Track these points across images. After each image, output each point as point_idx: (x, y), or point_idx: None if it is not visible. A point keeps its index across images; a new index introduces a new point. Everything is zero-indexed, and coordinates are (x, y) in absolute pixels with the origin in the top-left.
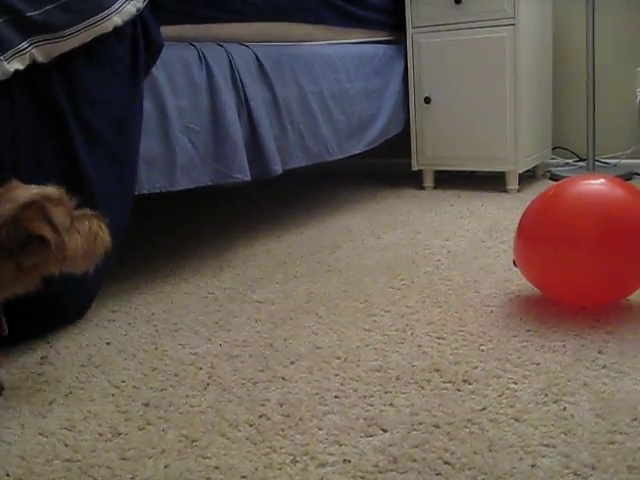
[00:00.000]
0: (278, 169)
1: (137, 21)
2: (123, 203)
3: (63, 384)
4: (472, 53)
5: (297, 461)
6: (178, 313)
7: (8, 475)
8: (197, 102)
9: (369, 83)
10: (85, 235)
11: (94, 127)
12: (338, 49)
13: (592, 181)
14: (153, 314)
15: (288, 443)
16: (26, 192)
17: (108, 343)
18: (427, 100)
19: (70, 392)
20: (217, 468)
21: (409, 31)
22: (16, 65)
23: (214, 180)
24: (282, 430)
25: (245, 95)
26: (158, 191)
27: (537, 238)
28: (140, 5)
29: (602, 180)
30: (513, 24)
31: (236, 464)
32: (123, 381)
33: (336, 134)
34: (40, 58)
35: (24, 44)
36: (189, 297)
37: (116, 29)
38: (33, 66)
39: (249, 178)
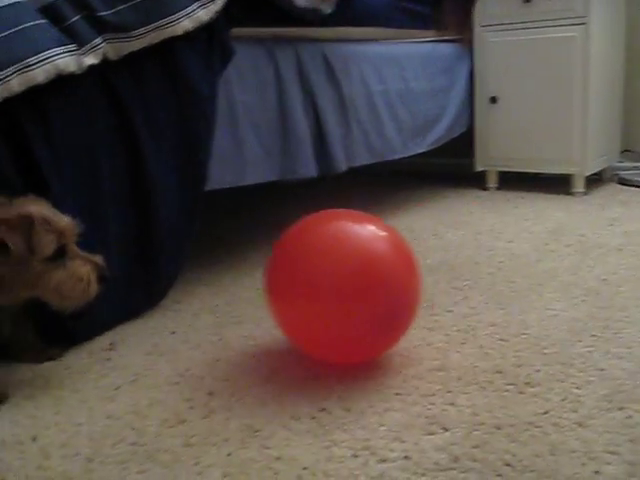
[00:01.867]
0: (343, 166)
1: (210, 27)
2: (190, 201)
3: (129, 370)
4: (540, 53)
5: (358, 455)
6: (240, 305)
7: (78, 455)
8: (265, 99)
9: (435, 82)
10: (69, 274)
11: (161, 126)
12: (405, 48)
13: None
14: (216, 306)
15: (349, 437)
16: (30, 207)
17: (173, 332)
18: (493, 100)
19: (136, 379)
20: (279, 459)
21: (476, 30)
22: (91, 60)
23: (280, 176)
24: (343, 424)
25: (312, 92)
26: (228, 186)
27: (285, 292)
28: (212, 15)
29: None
30: (584, 23)
31: (297, 455)
32: (188, 370)
33: (401, 133)
34: (111, 55)
35: (98, 40)
36: (250, 290)
37: (187, 33)
38: (105, 63)
39: (315, 174)
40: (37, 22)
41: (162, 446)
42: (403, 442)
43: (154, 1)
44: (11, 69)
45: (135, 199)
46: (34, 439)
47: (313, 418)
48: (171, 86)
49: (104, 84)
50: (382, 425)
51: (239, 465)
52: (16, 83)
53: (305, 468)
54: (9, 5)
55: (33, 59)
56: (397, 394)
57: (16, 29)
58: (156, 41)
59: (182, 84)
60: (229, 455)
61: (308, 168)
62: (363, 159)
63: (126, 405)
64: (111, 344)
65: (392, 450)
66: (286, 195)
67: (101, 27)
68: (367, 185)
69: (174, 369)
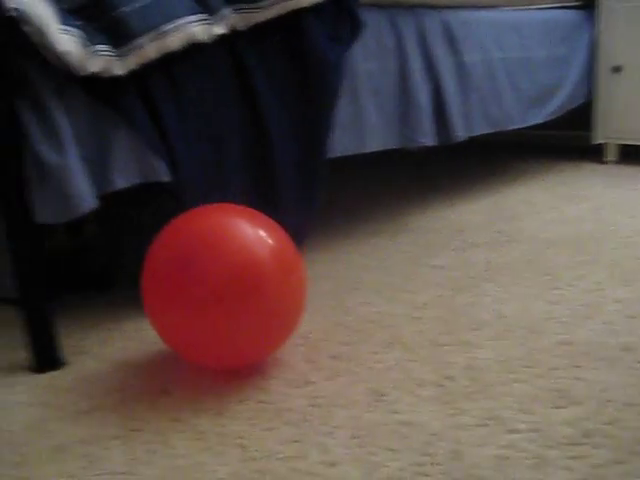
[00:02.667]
0: (462, 135)
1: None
2: (313, 169)
3: None
4: None
5: (486, 424)
6: (358, 272)
7: (209, 410)
8: (386, 66)
9: (555, 50)
10: None
11: (285, 95)
12: (525, 15)
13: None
14: (334, 271)
15: (476, 406)
16: None
17: None
18: (617, 69)
19: None
20: (406, 423)
21: None
22: (220, 29)
23: (399, 143)
24: (470, 393)
25: (432, 60)
26: (349, 154)
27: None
28: None
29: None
30: None
31: (425, 421)
32: (310, 333)
33: (519, 102)
34: (239, 25)
35: (227, 11)
36: (367, 258)
37: (315, 5)
38: (233, 32)
39: (433, 143)
40: None
41: (289, 405)
42: (531, 414)
43: None
44: (147, 36)
45: (258, 167)
46: (166, 392)
47: (439, 386)
48: (296, 56)
49: (231, 53)
50: (509, 396)
51: (367, 428)
52: (152, 50)
53: (433, 434)
54: None
55: (168, 26)
56: (523, 366)
57: None
58: (283, 12)
59: (308, 55)
60: (356, 418)
61: (427, 137)
62: (481, 128)
63: (250, 365)
64: None
65: (520, 421)
66: (403, 164)
67: None
68: (479, 156)
69: (296, 331)
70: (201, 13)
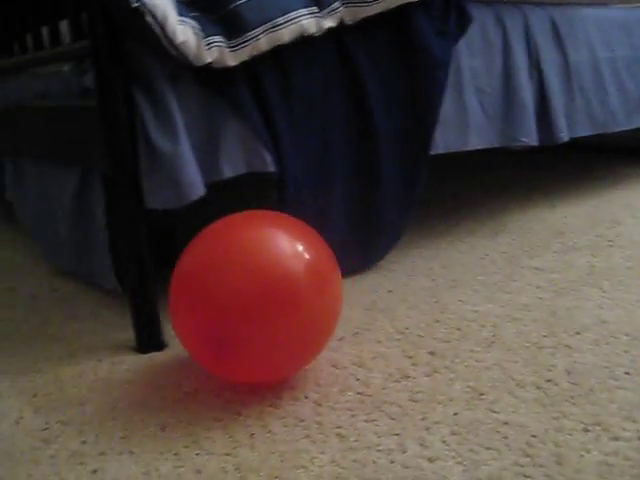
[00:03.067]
0: (565, 136)
1: None
2: (416, 164)
3: (350, 324)
4: None
5: (589, 430)
6: (456, 270)
7: (307, 398)
8: (490, 63)
9: None
10: None
11: (392, 90)
12: (635, 13)
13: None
14: (431, 269)
15: (578, 411)
16: None
17: (390, 291)
18: None
19: (357, 332)
20: (506, 423)
21: None
22: (329, 23)
23: (501, 142)
24: (571, 397)
25: (538, 58)
26: (453, 151)
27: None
28: None
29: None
30: None
31: (525, 422)
32: (407, 328)
33: (625, 103)
34: (347, 19)
35: (337, 4)
36: (465, 256)
37: None
38: (340, 26)
39: (536, 143)
40: None
41: (388, 399)
42: (636, 422)
43: None
44: (261, 29)
45: (361, 160)
46: None
47: (539, 388)
48: (404, 51)
49: (338, 46)
50: (612, 402)
51: (466, 425)
52: (264, 42)
53: (534, 436)
54: None
55: (281, 19)
56: (626, 373)
57: None
58: (391, 6)
59: (415, 49)
60: (455, 414)
61: (530, 136)
62: (585, 130)
63: (350, 356)
64: None
65: (625, 429)
66: (502, 163)
67: None
68: (580, 158)
69: (394, 326)
70: (312, 6)
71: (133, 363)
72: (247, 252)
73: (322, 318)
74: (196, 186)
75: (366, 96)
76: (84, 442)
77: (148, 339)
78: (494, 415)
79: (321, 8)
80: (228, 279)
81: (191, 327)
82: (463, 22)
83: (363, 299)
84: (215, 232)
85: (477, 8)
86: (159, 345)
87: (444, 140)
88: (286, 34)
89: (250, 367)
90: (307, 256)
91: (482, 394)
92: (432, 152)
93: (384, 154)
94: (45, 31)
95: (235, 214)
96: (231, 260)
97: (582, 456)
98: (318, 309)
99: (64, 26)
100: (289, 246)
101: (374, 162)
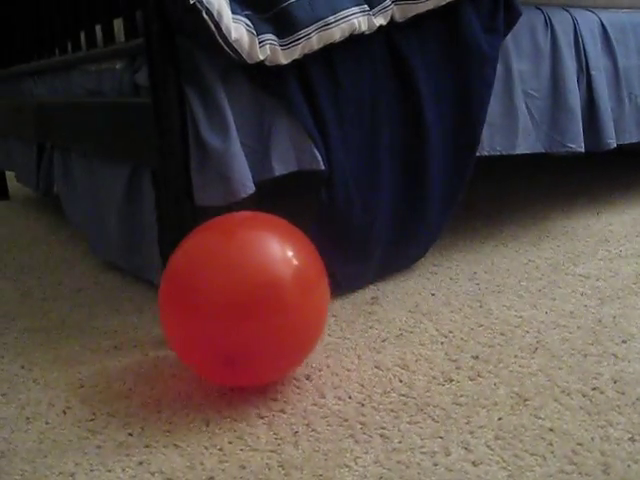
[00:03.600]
0: (612, 143)
1: None
2: (463, 164)
3: (394, 325)
4: None
5: (636, 440)
6: (500, 275)
7: (350, 398)
8: (539, 67)
9: None
10: None
11: (441, 87)
12: None
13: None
14: (475, 273)
15: (625, 420)
16: None
17: (433, 294)
18: None
19: (401, 334)
20: (551, 430)
21: None
22: (380, 20)
23: (548, 147)
24: (618, 406)
25: (587, 63)
26: (498, 154)
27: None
28: None
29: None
30: None
31: (571, 430)
32: (450, 331)
33: None
34: (398, 16)
35: (388, 2)
36: (509, 261)
37: None
38: (390, 23)
39: (583, 149)
40: None
41: (432, 401)
42: None
43: None
44: (312, 27)
45: (409, 157)
46: (308, 378)
47: (585, 396)
48: (453, 48)
49: (388, 45)
50: None
51: (511, 431)
52: (316, 41)
53: (580, 444)
54: None
55: (332, 18)
56: None
57: None
58: (442, 3)
59: (464, 46)
60: (500, 419)
61: (577, 142)
62: (632, 136)
63: (393, 357)
64: (373, 298)
65: None
66: (547, 167)
67: None
68: (628, 165)
69: (437, 329)
70: (364, 4)
71: (177, 358)
72: (233, 258)
73: (308, 320)
74: (246, 184)
75: (416, 94)
76: (130, 434)
77: None
78: (539, 421)
79: (372, 6)
80: (211, 283)
81: (190, 342)
82: (512, 18)
83: (406, 301)
84: (201, 235)
85: (527, 11)
86: None
87: (490, 143)
88: (337, 32)
89: (253, 371)
90: (294, 260)
91: (527, 400)
92: (477, 153)
93: (432, 153)
94: (98, 29)
95: (223, 217)
96: (214, 265)
97: (629, 466)
98: (305, 310)
99: (117, 24)
100: (277, 249)
101: (422, 162)
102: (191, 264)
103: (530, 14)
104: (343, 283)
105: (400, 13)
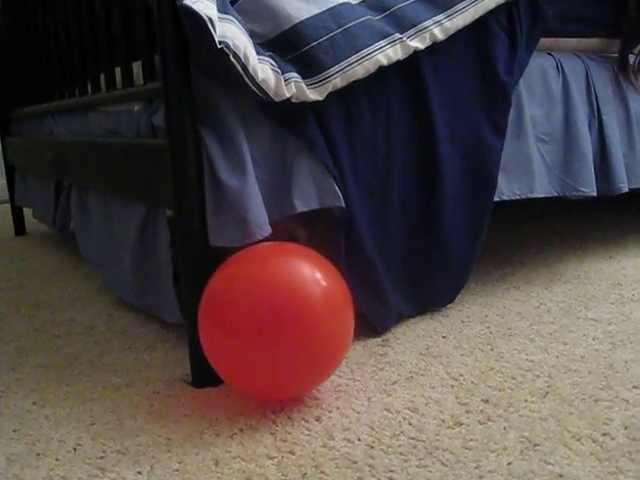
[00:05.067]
0: (624, 187)
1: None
2: (481, 209)
3: (404, 368)
4: None
5: None
6: (511, 319)
7: (359, 440)
8: (551, 112)
9: None
10: None
11: (456, 128)
12: None
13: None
14: (486, 316)
15: (636, 467)
16: None
17: (444, 337)
18: None
19: (411, 376)
20: (561, 476)
21: None
22: (416, 44)
23: (560, 191)
24: (629, 453)
25: (598, 107)
26: (518, 198)
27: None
28: None
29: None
30: None
31: (581, 476)
32: (461, 375)
33: None
34: (440, 36)
35: (428, 22)
36: (521, 304)
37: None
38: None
39: (595, 193)
40: (360, 20)
41: (441, 445)
42: None
43: None
44: (335, 68)
45: (423, 202)
46: (317, 419)
47: (595, 442)
48: (478, 81)
49: (408, 68)
50: None
51: (520, 476)
52: (339, 81)
53: None
54: (339, 5)
55: (353, 58)
56: None
57: (341, 29)
58: (481, 14)
59: (486, 71)
60: (509, 464)
61: (589, 186)
62: None
63: (403, 400)
64: (384, 340)
65: None
66: (559, 211)
67: (435, 6)
68: (636, 208)
69: (448, 372)
70: (393, 33)
71: (189, 397)
72: (265, 282)
73: (335, 341)
74: (262, 226)
75: (433, 129)
76: (139, 472)
77: (204, 374)
78: (549, 467)
79: (405, 29)
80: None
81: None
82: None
83: (417, 344)
84: (237, 264)
85: (539, 56)
86: (215, 381)
87: (509, 187)
88: (360, 71)
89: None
90: (324, 284)
91: (536, 445)
92: (497, 198)
93: (448, 190)
94: (118, 71)
95: (255, 246)
96: (250, 290)
97: None
98: (331, 332)
99: (137, 67)
100: (305, 273)
101: (439, 200)
102: (228, 290)
103: (541, 59)
104: (374, 321)
105: (442, 33)
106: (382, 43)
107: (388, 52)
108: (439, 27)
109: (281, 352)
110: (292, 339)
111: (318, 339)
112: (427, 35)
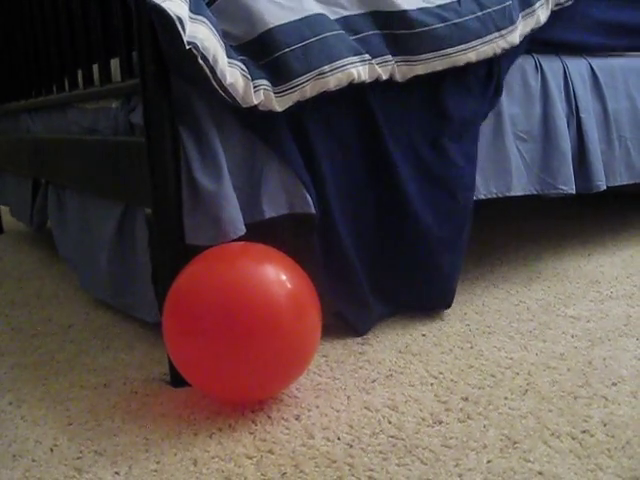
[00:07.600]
0: (602, 185)
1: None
2: (455, 222)
3: (384, 366)
4: None
5: None
6: (490, 316)
7: (339, 439)
8: (530, 111)
9: None
10: None
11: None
12: None
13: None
14: (465, 314)
15: (615, 464)
16: None
17: (423, 335)
18: None
19: (391, 374)
20: (540, 473)
21: None
22: (381, 72)
23: (539, 190)
24: (607, 450)
25: (577, 106)
26: (495, 197)
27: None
28: (500, 51)
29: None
30: None
31: (560, 474)
32: (441, 373)
33: None
34: (397, 76)
35: (388, 57)
36: (500, 302)
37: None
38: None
39: (574, 191)
40: (336, 32)
41: (420, 443)
42: None
43: (456, 28)
44: (306, 76)
45: (395, 204)
46: (297, 418)
47: (574, 439)
48: (429, 115)
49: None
50: None
51: (500, 474)
52: (309, 89)
53: None
54: (316, 15)
55: (327, 67)
56: None
57: (317, 38)
58: (445, 67)
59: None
60: (489, 462)
61: (568, 185)
62: (622, 178)
63: (383, 399)
64: (364, 338)
65: None
66: (537, 210)
67: (396, 47)
68: (619, 207)
69: (427, 370)
70: (364, 53)
71: (167, 397)
72: (231, 283)
73: (302, 342)
74: (237, 225)
75: (389, 159)
76: (117, 473)
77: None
78: (528, 465)
79: (373, 55)
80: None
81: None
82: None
83: (397, 342)
84: (202, 264)
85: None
86: None
87: (486, 185)
88: (332, 81)
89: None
90: (288, 284)
91: (516, 442)
92: (474, 197)
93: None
94: (96, 68)
95: (220, 246)
96: (219, 292)
97: None
98: (298, 333)
99: (114, 64)
100: (273, 276)
101: (402, 212)
102: (192, 291)
103: (521, 59)
104: (354, 323)
105: (400, 74)
106: (355, 59)
107: (359, 69)
108: (399, 68)
109: (245, 354)
110: (252, 340)
111: (283, 340)
112: (388, 69)
